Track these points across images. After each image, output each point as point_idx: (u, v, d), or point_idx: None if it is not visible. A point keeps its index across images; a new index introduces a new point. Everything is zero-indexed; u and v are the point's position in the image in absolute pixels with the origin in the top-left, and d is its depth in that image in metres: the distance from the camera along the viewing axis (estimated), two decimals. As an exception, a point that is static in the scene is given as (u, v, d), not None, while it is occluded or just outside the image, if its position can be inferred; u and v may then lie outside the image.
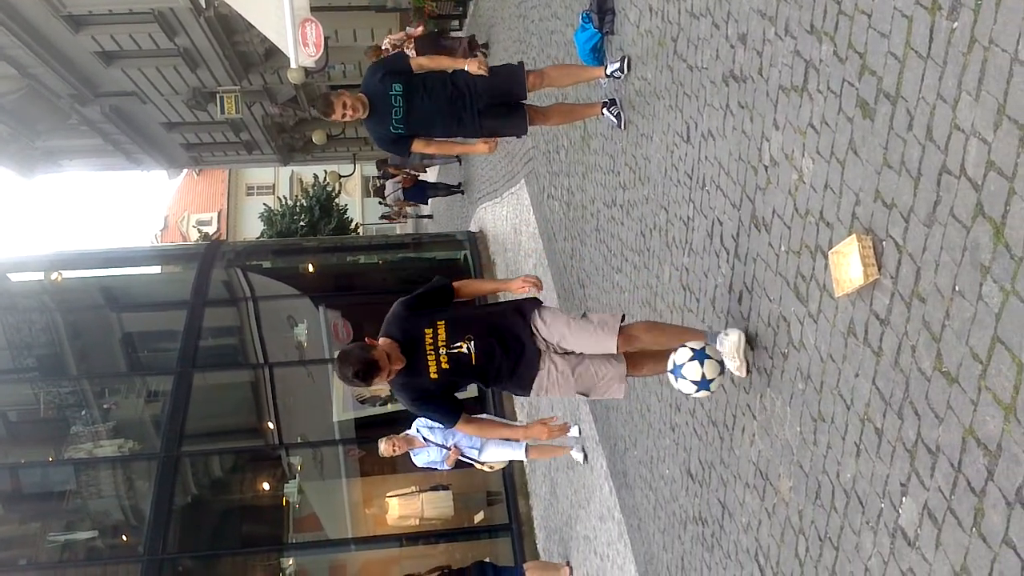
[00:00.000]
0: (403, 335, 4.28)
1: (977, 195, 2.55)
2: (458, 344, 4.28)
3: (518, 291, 4.55)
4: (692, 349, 4.07)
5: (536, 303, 4.51)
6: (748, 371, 4.21)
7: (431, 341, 4.26)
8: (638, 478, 6.37)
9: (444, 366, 4.29)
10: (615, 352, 4.43)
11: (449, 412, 4.54)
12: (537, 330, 4.42)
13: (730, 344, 4.21)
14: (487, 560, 9.08)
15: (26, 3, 16.33)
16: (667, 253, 5.51)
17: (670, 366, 4.11)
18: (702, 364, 4.02)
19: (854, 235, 3.16)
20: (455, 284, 4.55)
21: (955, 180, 2.65)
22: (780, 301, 3.89)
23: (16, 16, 16.59)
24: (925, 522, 2.84)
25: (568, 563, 8.87)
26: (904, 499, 2.96)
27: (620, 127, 6.20)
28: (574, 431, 8.36)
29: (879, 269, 3.06)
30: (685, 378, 4.05)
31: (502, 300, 4.80)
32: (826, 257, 3.41)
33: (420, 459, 8.30)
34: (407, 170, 19.59)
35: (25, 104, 19.26)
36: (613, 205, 6.73)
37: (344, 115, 5.81)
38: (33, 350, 14.48)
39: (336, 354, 4.25)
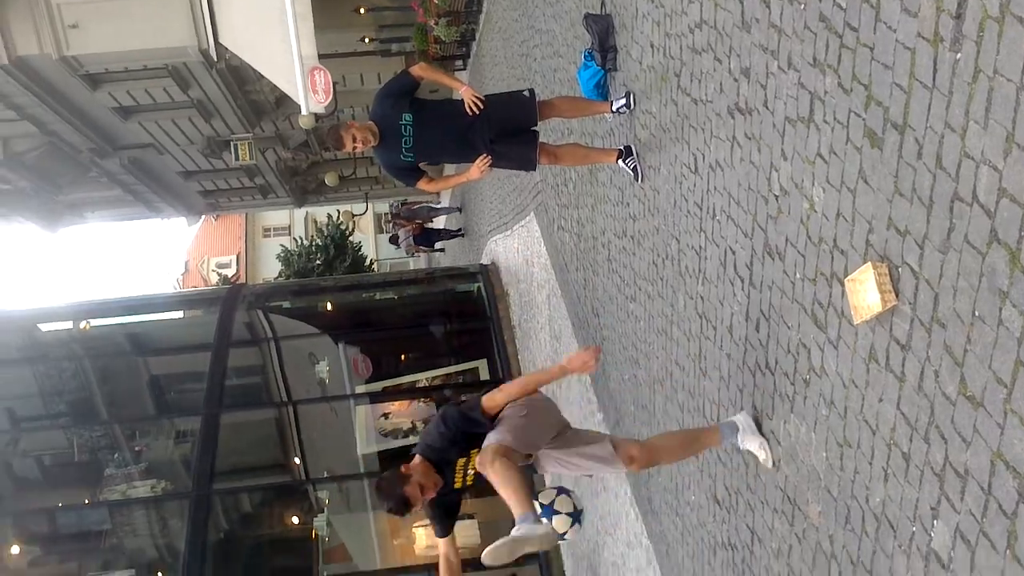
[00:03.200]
0: (438, 459, 4.45)
1: (991, 221, 2.56)
2: None
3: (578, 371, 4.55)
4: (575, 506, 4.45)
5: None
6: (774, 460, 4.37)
7: (462, 465, 4.48)
8: (664, 505, 6.36)
9: (468, 483, 4.57)
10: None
11: (452, 517, 4.88)
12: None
13: (744, 433, 4.50)
14: None
15: (45, 64, 16.64)
16: (681, 282, 5.52)
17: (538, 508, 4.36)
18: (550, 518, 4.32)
19: (869, 263, 3.17)
20: (489, 406, 4.49)
21: (967, 207, 2.66)
22: (799, 328, 3.90)
23: (36, 77, 16.93)
24: (958, 545, 2.83)
25: None
26: (935, 522, 2.95)
27: (637, 181, 6.18)
28: None
29: (896, 296, 3.07)
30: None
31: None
32: (843, 284, 3.42)
33: None
34: (417, 220, 22.67)
35: (47, 160, 19.59)
36: (624, 236, 6.76)
37: (354, 147, 5.80)
38: (64, 396, 14.71)
39: (374, 484, 4.48)
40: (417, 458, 4.44)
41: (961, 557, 2.82)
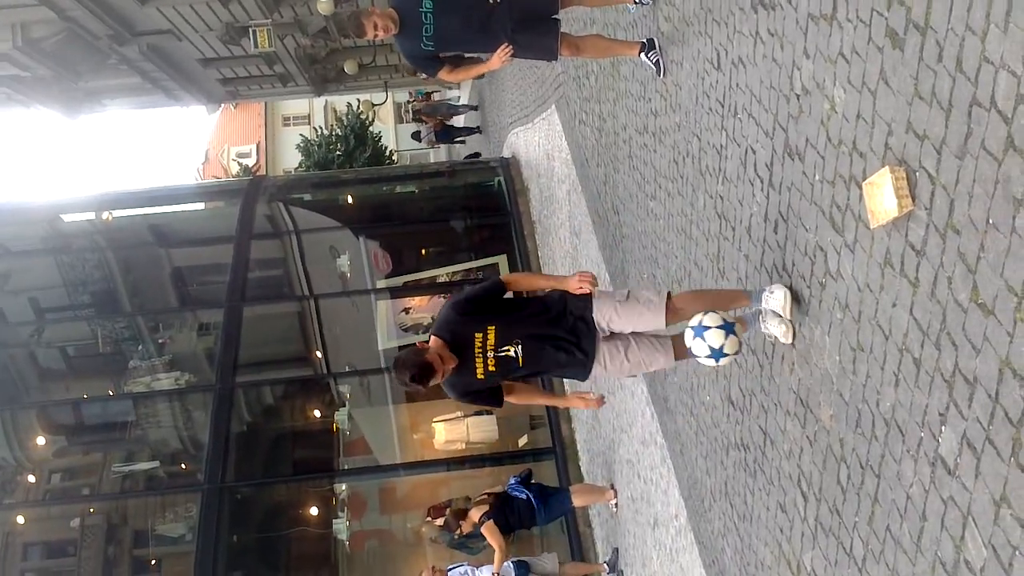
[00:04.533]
0: (452, 337, 4.34)
1: (1008, 128, 2.51)
2: (505, 348, 4.34)
3: (575, 290, 4.42)
4: (724, 320, 4.07)
5: (587, 299, 4.46)
6: (794, 336, 4.23)
7: (480, 345, 4.32)
8: (679, 404, 6.44)
9: (491, 368, 4.38)
10: (664, 329, 4.46)
11: (495, 400, 4.70)
12: (596, 321, 4.43)
13: (776, 302, 4.24)
14: (533, 482, 9.16)
15: (58, -56, 16.29)
16: (701, 181, 5.47)
17: (694, 322, 4.12)
18: (726, 336, 4.03)
19: (887, 167, 3.13)
20: (507, 278, 4.53)
21: (985, 112, 2.61)
22: (816, 231, 3.88)
23: (50, -40, 16.58)
24: (964, 451, 2.86)
25: (613, 486, 9.02)
26: (943, 428, 2.98)
27: (659, 76, 6.04)
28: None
29: (913, 200, 3.03)
30: (704, 341, 4.05)
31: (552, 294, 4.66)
32: (860, 188, 3.38)
33: None
34: (438, 116, 23.68)
35: (65, 47, 19.38)
36: (645, 132, 6.67)
37: (375, 35, 5.70)
38: (87, 287, 14.84)
39: (392, 360, 4.35)
40: (432, 337, 4.36)
41: (967, 463, 2.85)
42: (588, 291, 4.41)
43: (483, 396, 4.69)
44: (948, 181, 2.82)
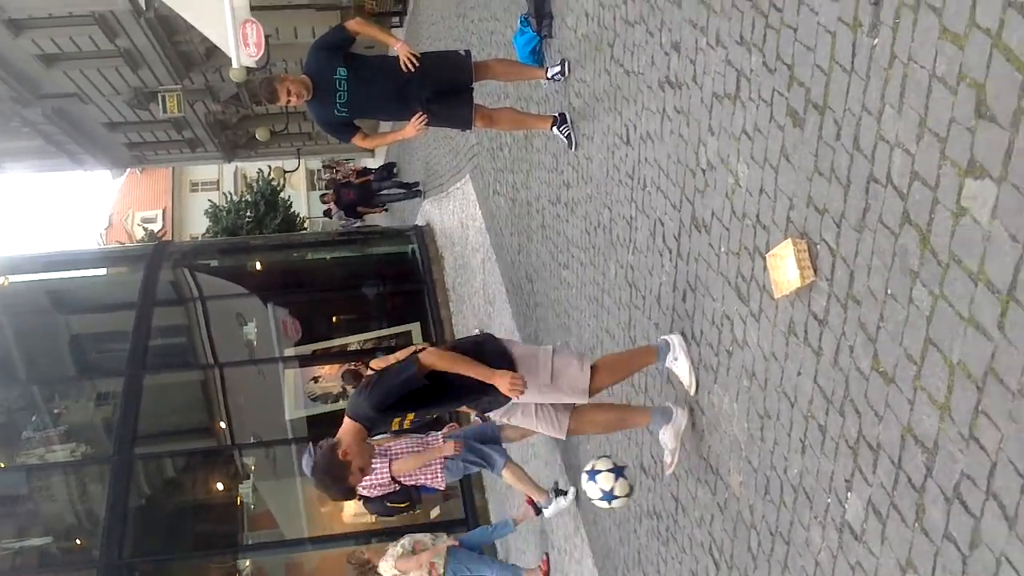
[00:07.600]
0: (372, 427, 4.25)
1: (903, 203, 2.61)
2: (421, 415, 4.42)
3: (505, 392, 4.11)
4: (615, 464, 4.38)
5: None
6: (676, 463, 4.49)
7: (398, 424, 4.35)
8: (592, 472, 6.44)
9: (406, 427, 4.45)
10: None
11: None
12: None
13: (683, 374, 4.41)
14: None
15: (-37, 9, 16.02)
16: (612, 251, 5.56)
17: (588, 467, 4.40)
18: (616, 479, 4.32)
19: (789, 239, 3.23)
20: (428, 361, 4.15)
21: (882, 188, 2.72)
22: (723, 300, 3.96)
23: (-47, 22, 16.28)
24: (870, 517, 2.90)
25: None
26: (849, 494, 3.03)
27: (571, 149, 6.18)
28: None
29: (815, 272, 3.13)
30: (596, 484, 4.31)
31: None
32: (764, 259, 3.47)
33: None
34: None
35: (-37, 109, 18.92)
36: (558, 203, 6.77)
37: (288, 101, 5.71)
38: (-21, 356, 14.24)
39: (313, 474, 4.29)
40: (348, 424, 4.14)
41: (873, 529, 2.90)
42: (517, 396, 4.20)
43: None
44: (848, 253, 2.92)
